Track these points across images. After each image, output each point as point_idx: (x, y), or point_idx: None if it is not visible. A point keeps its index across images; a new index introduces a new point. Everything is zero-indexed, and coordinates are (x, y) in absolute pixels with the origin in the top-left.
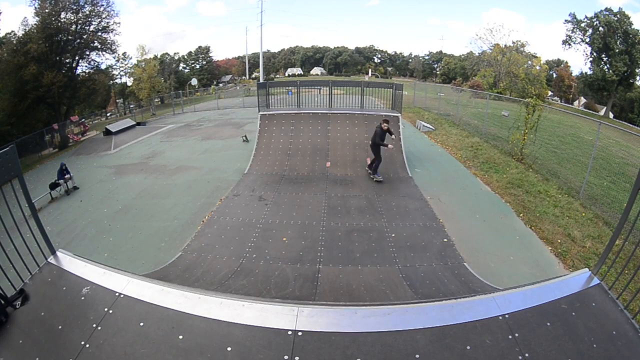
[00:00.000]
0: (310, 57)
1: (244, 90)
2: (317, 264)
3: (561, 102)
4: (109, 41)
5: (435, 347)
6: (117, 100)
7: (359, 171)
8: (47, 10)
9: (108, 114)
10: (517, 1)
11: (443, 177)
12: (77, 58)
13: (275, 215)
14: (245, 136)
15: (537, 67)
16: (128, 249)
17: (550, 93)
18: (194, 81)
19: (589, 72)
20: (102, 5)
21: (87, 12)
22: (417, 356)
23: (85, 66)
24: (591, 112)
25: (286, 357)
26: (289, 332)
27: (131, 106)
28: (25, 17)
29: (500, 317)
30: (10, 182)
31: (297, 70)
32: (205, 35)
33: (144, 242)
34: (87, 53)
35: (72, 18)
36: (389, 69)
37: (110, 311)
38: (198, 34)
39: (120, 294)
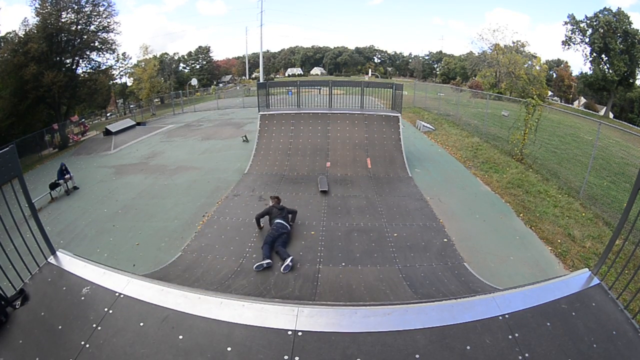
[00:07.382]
0: (310, 57)
1: (244, 91)
2: (317, 264)
3: (561, 102)
4: (109, 41)
5: (435, 347)
6: (117, 101)
7: (359, 171)
8: (47, 10)
9: (108, 114)
10: (520, 1)
11: (443, 177)
12: (77, 58)
13: None
14: (245, 136)
15: (537, 67)
16: (128, 249)
17: (550, 93)
18: (194, 81)
19: (589, 72)
20: (104, 5)
21: (88, 12)
22: (417, 356)
23: (85, 66)
24: (591, 112)
25: (286, 357)
26: (289, 332)
27: (131, 106)
28: (25, 17)
29: (500, 317)
30: (10, 182)
31: (297, 70)
32: (205, 35)
33: (144, 242)
34: (88, 53)
35: (73, 18)
36: (389, 69)
37: (110, 311)
38: (198, 34)
39: (120, 294)
